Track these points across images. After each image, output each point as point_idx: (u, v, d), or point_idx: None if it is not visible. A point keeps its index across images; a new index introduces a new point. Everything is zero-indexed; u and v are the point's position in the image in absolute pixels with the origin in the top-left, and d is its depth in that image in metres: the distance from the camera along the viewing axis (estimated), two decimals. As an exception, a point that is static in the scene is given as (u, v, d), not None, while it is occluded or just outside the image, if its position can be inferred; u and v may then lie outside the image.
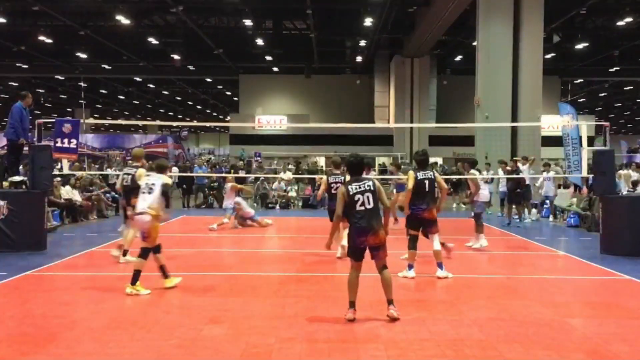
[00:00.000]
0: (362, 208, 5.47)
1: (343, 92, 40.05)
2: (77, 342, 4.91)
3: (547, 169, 15.95)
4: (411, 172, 7.70)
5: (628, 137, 56.73)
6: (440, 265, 7.63)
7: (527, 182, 14.74)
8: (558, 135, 17.88)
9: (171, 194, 7.25)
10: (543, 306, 6.22)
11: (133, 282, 6.58)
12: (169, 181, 7.17)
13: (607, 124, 11.14)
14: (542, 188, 15.71)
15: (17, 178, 10.25)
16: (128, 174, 8.56)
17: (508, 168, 14.81)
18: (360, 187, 5.52)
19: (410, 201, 7.54)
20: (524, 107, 19.45)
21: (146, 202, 6.78)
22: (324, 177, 9.61)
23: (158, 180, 6.96)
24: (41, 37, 28.45)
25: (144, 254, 6.74)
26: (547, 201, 15.86)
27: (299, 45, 32.42)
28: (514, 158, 16.74)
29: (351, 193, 5.50)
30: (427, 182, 7.54)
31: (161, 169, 7.25)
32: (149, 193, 6.84)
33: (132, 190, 8.11)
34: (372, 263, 5.43)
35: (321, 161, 35.55)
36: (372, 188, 5.54)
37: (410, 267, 7.58)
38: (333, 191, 8.94)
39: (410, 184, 7.54)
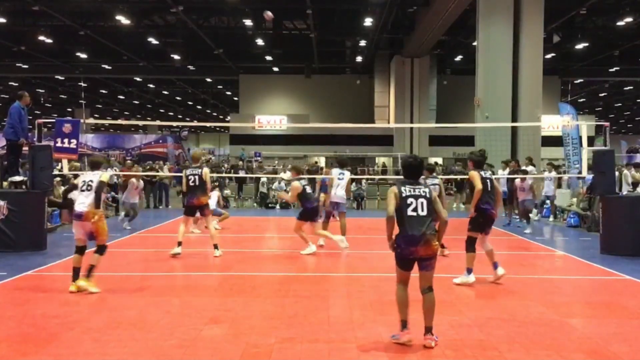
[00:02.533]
0: (414, 214, 4.85)
1: (343, 92, 40.05)
2: (77, 342, 4.91)
3: (549, 168, 15.95)
4: (475, 172, 7.25)
5: (628, 137, 56.73)
6: (495, 265, 7.35)
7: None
8: (558, 135, 17.93)
9: (107, 191, 6.98)
10: (543, 306, 6.21)
11: (87, 276, 6.52)
12: (106, 178, 6.83)
13: (607, 124, 11.13)
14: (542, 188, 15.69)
15: (17, 178, 10.25)
16: (194, 174, 9.14)
17: (507, 169, 14.81)
18: (414, 191, 4.92)
19: (478, 201, 7.14)
20: (524, 107, 19.45)
21: (86, 202, 6.52)
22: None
23: (95, 177, 6.69)
24: (41, 37, 28.45)
25: (100, 250, 6.65)
26: (548, 201, 15.86)
27: (299, 45, 32.42)
28: (515, 160, 16.75)
29: (404, 195, 4.89)
30: (489, 181, 7.27)
31: (95, 166, 7.03)
32: (88, 190, 6.60)
33: (198, 188, 9.09)
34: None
35: (321, 161, 35.57)
36: (427, 195, 4.93)
37: (469, 271, 7.14)
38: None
39: (479, 184, 7.10)
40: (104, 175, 6.78)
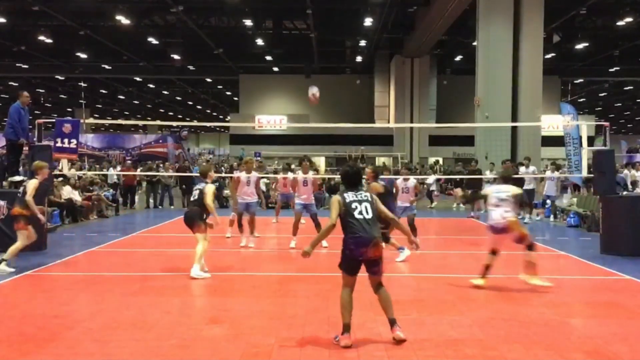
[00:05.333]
0: (361, 217, 4.93)
1: (343, 92, 40.06)
2: (77, 342, 4.91)
3: (552, 168, 15.94)
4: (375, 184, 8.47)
5: (628, 137, 56.74)
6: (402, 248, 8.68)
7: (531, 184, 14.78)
8: (558, 135, 17.90)
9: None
10: (543, 306, 6.21)
11: (483, 275, 7.07)
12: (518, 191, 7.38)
13: (607, 124, 11.12)
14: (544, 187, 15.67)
15: (17, 178, 10.24)
16: (197, 190, 8.43)
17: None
18: (357, 197, 5.02)
19: None
20: (524, 107, 19.47)
21: (503, 209, 6.97)
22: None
23: (510, 189, 7.15)
24: (41, 37, 28.50)
25: (530, 247, 7.03)
26: (549, 201, 15.84)
27: (299, 45, 32.45)
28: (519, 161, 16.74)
29: (347, 200, 4.99)
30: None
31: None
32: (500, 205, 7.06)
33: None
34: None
35: (321, 161, 35.54)
36: (369, 199, 5.06)
37: (402, 248, 8.49)
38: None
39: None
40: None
